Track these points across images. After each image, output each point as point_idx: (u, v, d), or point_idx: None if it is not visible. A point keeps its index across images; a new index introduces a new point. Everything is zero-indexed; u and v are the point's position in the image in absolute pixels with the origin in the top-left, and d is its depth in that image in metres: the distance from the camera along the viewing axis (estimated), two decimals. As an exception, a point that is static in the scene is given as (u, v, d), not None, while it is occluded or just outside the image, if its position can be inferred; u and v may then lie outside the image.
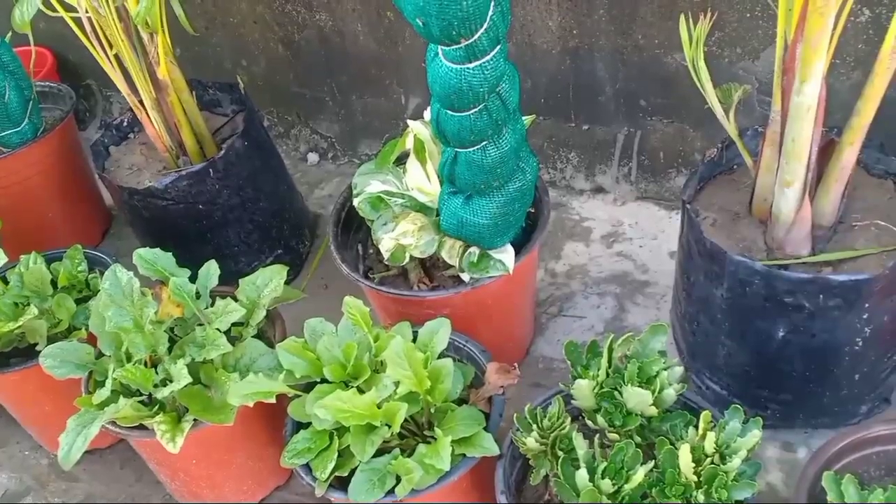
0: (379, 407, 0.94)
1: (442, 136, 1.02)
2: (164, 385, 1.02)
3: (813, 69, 0.95)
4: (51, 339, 1.20)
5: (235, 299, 1.17)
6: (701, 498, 0.81)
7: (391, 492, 0.92)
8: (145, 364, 1.05)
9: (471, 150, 1.01)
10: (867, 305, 1.02)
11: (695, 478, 0.82)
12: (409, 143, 1.19)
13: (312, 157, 1.95)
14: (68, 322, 1.23)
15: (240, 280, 1.20)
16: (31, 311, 1.17)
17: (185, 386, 1.00)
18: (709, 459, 0.82)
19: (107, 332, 1.06)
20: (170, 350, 1.07)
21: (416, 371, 0.92)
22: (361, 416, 0.92)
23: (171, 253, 1.20)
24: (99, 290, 1.15)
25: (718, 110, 1.10)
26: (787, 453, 1.18)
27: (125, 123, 1.59)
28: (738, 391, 1.19)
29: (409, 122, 1.19)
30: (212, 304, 1.16)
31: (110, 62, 1.39)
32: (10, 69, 1.59)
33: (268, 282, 1.17)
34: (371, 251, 1.31)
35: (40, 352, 1.13)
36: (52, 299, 1.22)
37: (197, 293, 1.16)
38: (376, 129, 1.86)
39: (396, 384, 0.93)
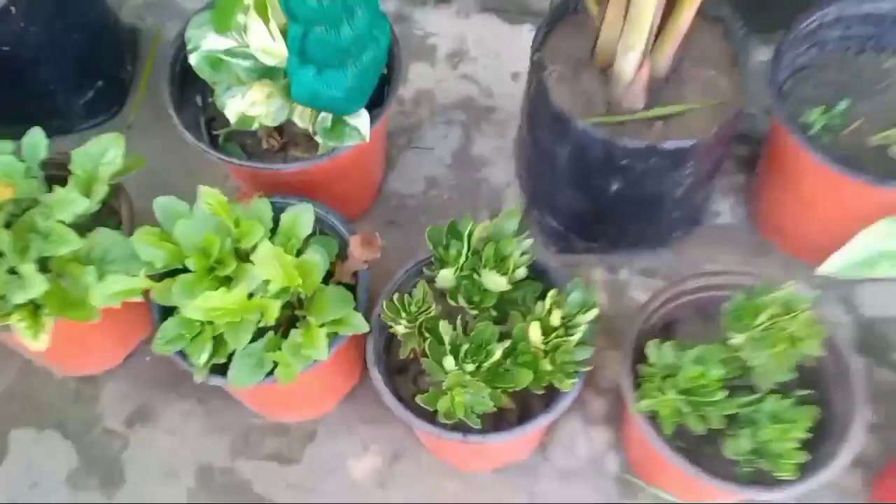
0: (250, 297, 0.97)
1: (291, 15, 0.95)
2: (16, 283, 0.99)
3: None
4: None
5: (69, 171, 1.10)
6: (547, 365, 0.94)
7: (270, 374, 0.99)
8: (-13, 261, 1.00)
9: (323, 29, 0.95)
10: (691, 163, 1.13)
11: (543, 347, 0.94)
12: (246, -4, 1.09)
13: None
14: None
15: (71, 153, 1.11)
16: None
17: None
18: (555, 333, 0.94)
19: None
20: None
21: (286, 271, 0.94)
22: (235, 311, 0.95)
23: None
24: None
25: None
26: (612, 275, 1.34)
27: None
28: (573, 227, 1.31)
29: (245, -34, 1.08)
30: (45, 180, 1.09)
31: None
32: None
33: (104, 152, 1.10)
34: (211, 101, 1.24)
35: None
36: None
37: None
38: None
39: (266, 281, 0.96)
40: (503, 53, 1.59)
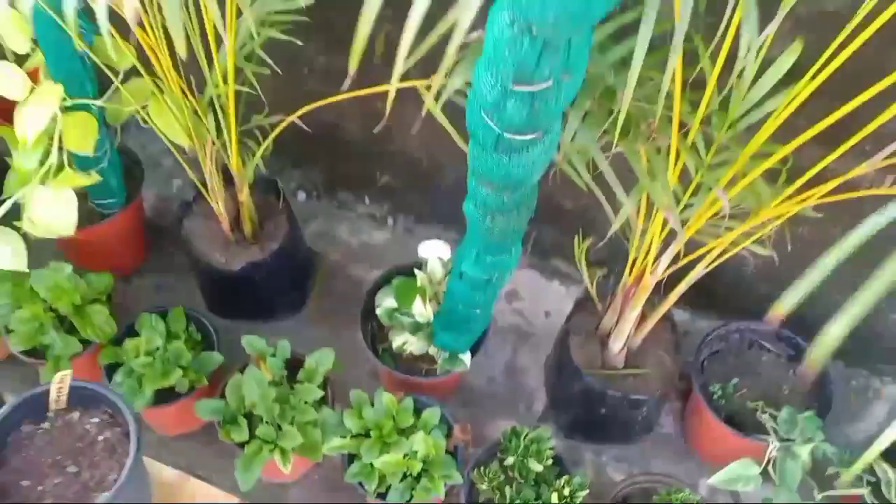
0: (404, 457, 1.82)
1: (445, 308, 1.84)
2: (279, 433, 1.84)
3: (638, 304, 1.86)
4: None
5: (303, 363, 1.97)
6: (559, 516, 1.79)
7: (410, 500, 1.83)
8: (261, 418, 1.85)
9: (458, 320, 1.85)
10: (646, 404, 2.02)
11: (557, 506, 1.79)
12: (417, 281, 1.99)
13: (301, 195, 2.64)
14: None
15: (306, 356, 1.98)
16: (177, 372, 1.90)
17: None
18: (565, 499, 1.79)
19: (242, 400, 1.83)
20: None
21: (426, 447, 1.80)
22: (396, 465, 1.80)
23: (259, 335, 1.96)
24: (197, 342, 1.93)
25: (588, 285, 1.99)
26: (596, 457, 2.20)
27: (192, 199, 2.22)
28: (576, 425, 2.18)
29: (416, 271, 1.99)
30: (289, 367, 1.96)
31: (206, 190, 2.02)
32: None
33: (322, 361, 1.97)
34: (377, 327, 2.12)
35: (173, 388, 1.90)
36: (187, 355, 1.94)
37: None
38: (352, 185, 2.58)
39: (415, 450, 1.82)
40: (540, 298, 2.49)
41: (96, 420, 1.32)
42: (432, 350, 2.02)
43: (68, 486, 1.23)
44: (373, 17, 0.61)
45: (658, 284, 1.84)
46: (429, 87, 1.20)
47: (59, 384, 1.27)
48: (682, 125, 1.46)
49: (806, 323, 2.17)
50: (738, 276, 2.23)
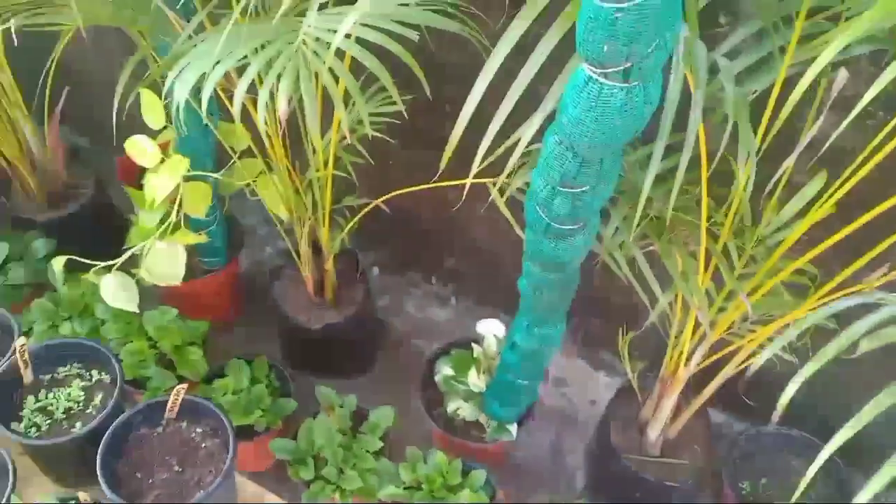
0: (451, 511, 2.01)
1: (495, 381, 2.06)
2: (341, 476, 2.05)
3: (673, 395, 2.04)
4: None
5: (366, 417, 2.19)
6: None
7: (450, 551, 2.00)
8: (327, 461, 2.08)
9: (509, 389, 2.06)
10: (681, 493, 2.16)
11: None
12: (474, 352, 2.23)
13: (375, 270, 2.93)
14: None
15: (370, 411, 2.21)
16: (257, 413, 2.16)
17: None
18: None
19: (311, 443, 2.07)
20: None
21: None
22: (444, 517, 1.99)
23: (329, 385, 2.21)
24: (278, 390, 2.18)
25: (630, 376, 2.18)
26: (627, 539, 2.33)
27: (282, 265, 2.53)
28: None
29: (474, 345, 2.22)
30: (353, 419, 2.19)
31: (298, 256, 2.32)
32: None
33: (384, 417, 2.20)
34: (433, 394, 2.34)
35: (251, 426, 2.15)
36: (267, 399, 2.20)
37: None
38: (422, 266, 2.85)
39: (462, 505, 2.01)
40: (587, 387, 2.67)
41: (200, 430, 1.59)
42: (482, 419, 2.23)
43: (173, 481, 1.49)
44: (460, 132, 0.88)
45: (694, 381, 2.02)
46: (495, 185, 1.47)
47: (175, 395, 1.54)
48: (716, 235, 1.68)
49: (830, 429, 2.30)
50: (772, 382, 2.37)
